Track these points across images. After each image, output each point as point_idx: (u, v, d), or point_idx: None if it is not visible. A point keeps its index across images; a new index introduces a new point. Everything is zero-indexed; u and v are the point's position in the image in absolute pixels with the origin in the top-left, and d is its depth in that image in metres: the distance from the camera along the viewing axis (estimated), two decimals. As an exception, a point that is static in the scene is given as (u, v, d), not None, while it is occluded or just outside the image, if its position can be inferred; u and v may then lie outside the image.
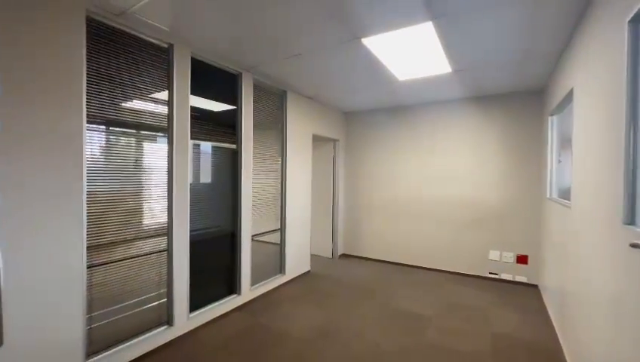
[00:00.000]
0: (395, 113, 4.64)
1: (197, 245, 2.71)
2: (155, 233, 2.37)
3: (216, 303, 2.87)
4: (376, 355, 2.33)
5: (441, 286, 3.76)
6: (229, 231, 3.07)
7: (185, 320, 2.54)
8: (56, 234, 1.77)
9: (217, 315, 2.86)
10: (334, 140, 4.93)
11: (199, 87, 2.71)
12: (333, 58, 2.77)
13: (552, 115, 3.15)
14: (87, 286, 1.95)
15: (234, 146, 3.06)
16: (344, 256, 5.10)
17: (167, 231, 2.43)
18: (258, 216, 3.36)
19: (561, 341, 2.44)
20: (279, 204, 3.70)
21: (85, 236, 1.91)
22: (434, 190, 4.32)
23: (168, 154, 2.43)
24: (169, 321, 2.44)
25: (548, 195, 3.21)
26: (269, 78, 3.30)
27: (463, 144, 4.13)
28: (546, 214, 3.29)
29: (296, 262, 3.95)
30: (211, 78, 2.85)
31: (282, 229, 3.72)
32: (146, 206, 2.31)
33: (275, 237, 3.66)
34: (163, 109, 2.41)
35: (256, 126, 3.30)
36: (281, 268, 3.74)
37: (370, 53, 2.65)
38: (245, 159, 3.11)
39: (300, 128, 3.97)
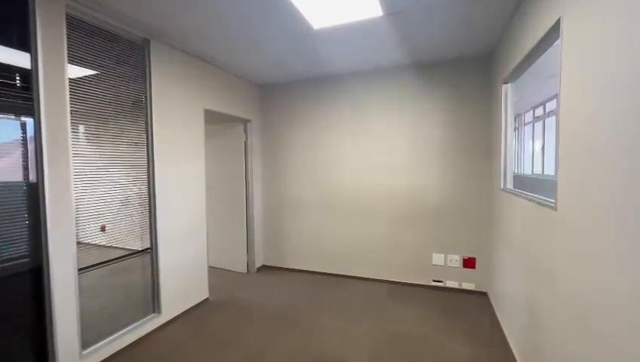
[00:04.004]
0: (320, 86, 3.66)
1: None
2: None
3: (-5, 400, 1.60)
4: None
5: (379, 304, 2.94)
6: (28, 266, 1.78)
7: None
8: None
9: (-3, 421, 1.60)
10: (246, 120, 3.79)
11: None
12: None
13: (506, 82, 2.46)
14: None
15: (25, 120, 1.75)
16: (265, 268, 4.05)
17: None
18: (96, 233, 2.11)
19: (532, 391, 1.74)
20: (146, 213, 2.47)
21: None
22: (370, 181, 3.48)
23: None
24: None
25: (502, 186, 2.55)
26: (101, 5, 2.01)
27: (401, 124, 3.32)
28: (499, 209, 2.64)
29: (183, 293, 2.78)
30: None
31: (153, 249, 2.51)
32: None
33: (139, 263, 2.45)
34: None
35: (85, 88, 2.02)
36: (154, 306, 2.54)
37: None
38: (53, 142, 1.83)
39: (180, 100, 2.75)
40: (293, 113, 3.84)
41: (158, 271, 2.52)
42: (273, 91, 3.94)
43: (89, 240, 2.08)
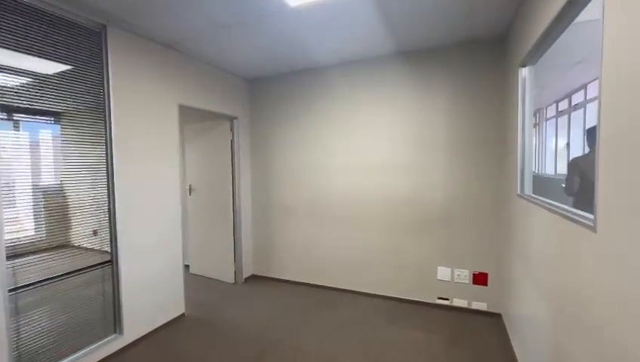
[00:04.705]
0: (314, 79, 3.30)
1: None
2: None
3: None
4: None
5: (375, 326, 2.57)
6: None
7: None
8: None
9: None
10: (232, 118, 3.48)
11: None
12: None
13: (523, 65, 2.04)
14: None
15: (-63, 115, 1.48)
16: (254, 278, 3.73)
17: None
18: (39, 243, 1.84)
19: None
20: (106, 218, 2.19)
21: None
22: (368, 184, 3.10)
23: None
24: None
25: (518, 191, 2.13)
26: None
27: (402, 121, 2.93)
28: (515, 217, 2.22)
29: (151, 309, 2.49)
30: None
31: (114, 260, 2.23)
32: None
33: (100, 275, 2.17)
34: None
35: (27, 79, 1.75)
36: (115, 326, 2.26)
37: None
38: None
39: (147, 95, 2.45)
40: (285, 109, 3.50)
41: (119, 285, 2.23)
42: (263, 86, 3.62)
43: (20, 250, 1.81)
